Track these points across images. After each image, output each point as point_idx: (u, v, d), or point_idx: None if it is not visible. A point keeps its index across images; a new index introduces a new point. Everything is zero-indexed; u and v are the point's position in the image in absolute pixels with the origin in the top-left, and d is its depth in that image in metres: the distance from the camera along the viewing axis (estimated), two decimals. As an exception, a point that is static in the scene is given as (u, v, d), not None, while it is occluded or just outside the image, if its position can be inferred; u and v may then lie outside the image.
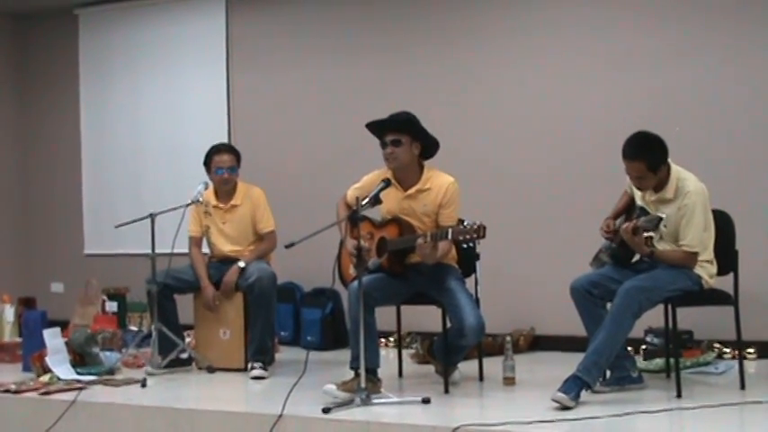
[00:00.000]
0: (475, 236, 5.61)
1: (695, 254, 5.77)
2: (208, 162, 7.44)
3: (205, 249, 7.60)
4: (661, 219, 5.65)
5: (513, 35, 8.25)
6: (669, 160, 5.85)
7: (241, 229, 7.41)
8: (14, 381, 6.80)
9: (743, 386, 6.01)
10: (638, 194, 6.07)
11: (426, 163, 6.34)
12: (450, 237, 5.74)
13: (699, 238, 5.76)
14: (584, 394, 5.58)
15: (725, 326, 6.12)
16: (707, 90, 7.55)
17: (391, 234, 6.19)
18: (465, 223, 5.70)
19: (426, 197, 6.21)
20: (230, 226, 7.42)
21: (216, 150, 7.47)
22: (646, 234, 5.64)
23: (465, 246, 5.92)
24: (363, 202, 5.91)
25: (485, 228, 5.59)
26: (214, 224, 7.45)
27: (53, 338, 7.02)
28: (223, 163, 7.38)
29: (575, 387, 5.52)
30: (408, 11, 8.68)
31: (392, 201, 6.24)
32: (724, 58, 7.51)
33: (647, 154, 5.75)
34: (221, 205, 7.44)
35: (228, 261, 7.33)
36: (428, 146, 6.29)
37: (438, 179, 6.24)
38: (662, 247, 5.87)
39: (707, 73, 7.55)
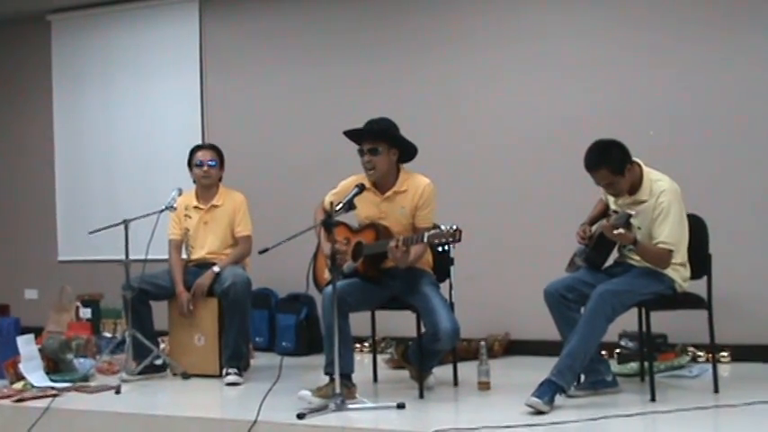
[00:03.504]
0: (451, 239, 5.62)
1: (670, 252, 5.77)
2: (190, 159, 7.52)
3: (183, 254, 7.59)
4: (630, 215, 5.68)
5: (493, 41, 8.28)
6: (641, 163, 5.89)
7: (220, 230, 7.43)
8: (-13, 388, 6.77)
9: (716, 389, 6.04)
10: (611, 199, 6.10)
11: (403, 166, 6.36)
12: (425, 240, 5.74)
13: (675, 235, 5.77)
14: (559, 398, 5.59)
15: (699, 329, 6.14)
16: (680, 95, 7.59)
17: (368, 239, 6.19)
18: (441, 227, 5.70)
19: (403, 199, 6.22)
20: (210, 227, 7.44)
21: (198, 147, 7.63)
22: (616, 231, 5.65)
23: (440, 249, 5.91)
24: (337, 208, 5.92)
25: (461, 231, 5.60)
26: (193, 225, 7.46)
27: (27, 345, 6.98)
28: (203, 157, 7.46)
29: (549, 391, 5.54)
30: (386, 15, 8.71)
31: (370, 205, 6.26)
32: (698, 63, 7.56)
33: (606, 159, 5.78)
34: (201, 206, 7.47)
35: (206, 265, 7.33)
36: (406, 150, 6.31)
37: (414, 180, 6.25)
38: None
39: (681, 78, 7.60)
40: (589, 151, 5.86)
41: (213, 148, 7.62)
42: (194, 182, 7.56)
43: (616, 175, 5.78)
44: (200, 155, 7.49)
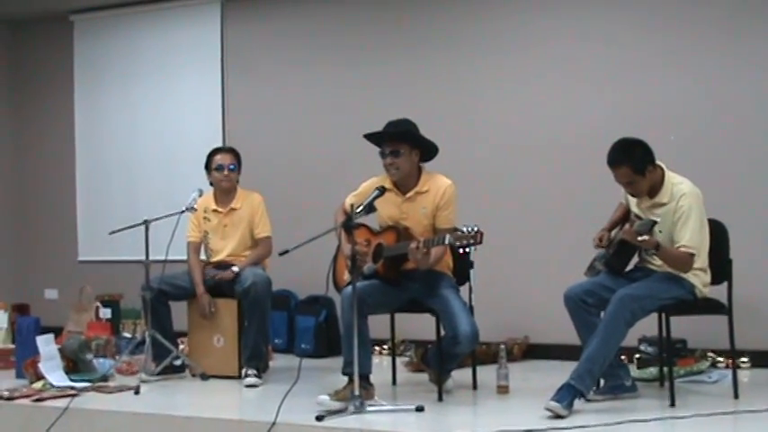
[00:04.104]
0: (472, 241, 5.60)
1: (693, 256, 5.74)
2: (209, 163, 7.50)
3: (202, 256, 7.59)
4: (655, 222, 5.65)
5: (510, 45, 8.27)
6: (663, 166, 5.88)
7: (239, 233, 7.42)
8: (7, 387, 6.78)
9: (736, 395, 6.02)
10: (632, 202, 6.09)
11: (425, 166, 6.36)
12: (447, 242, 5.73)
13: (696, 238, 5.75)
14: (578, 403, 5.59)
15: (718, 335, 6.13)
16: (701, 99, 7.57)
17: (388, 241, 6.19)
18: (464, 228, 5.68)
19: (425, 199, 6.22)
20: (229, 230, 7.44)
21: (216, 150, 7.59)
22: (640, 238, 5.63)
23: (461, 251, 5.91)
24: (358, 210, 5.92)
25: (482, 233, 5.57)
26: (213, 229, 7.47)
27: (46, 345, 7.00)
28: (224, 160, 7.44)
29: (568, 396, 5.53)
30: (405, 18, 8.69)
31: (391, 206, 6.27)
32: (719, 67, 7.53)
33: (629, 157, 5.79)
34: (220, 209, 7.46)
35: (225, 266, 7.33)
36: (427, 150, 6.31)
37: (436, 181, 6.25)
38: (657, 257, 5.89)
39: (701, 82, 7.57)
40: (613, 148, 5.87)
41: (232, 151, 7.61)
42: (211, 184, 7.55)
43: (636, 174, 5.78)
44: (220, 158, 7.47)
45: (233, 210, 7.46)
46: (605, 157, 5.92)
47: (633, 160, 5.77)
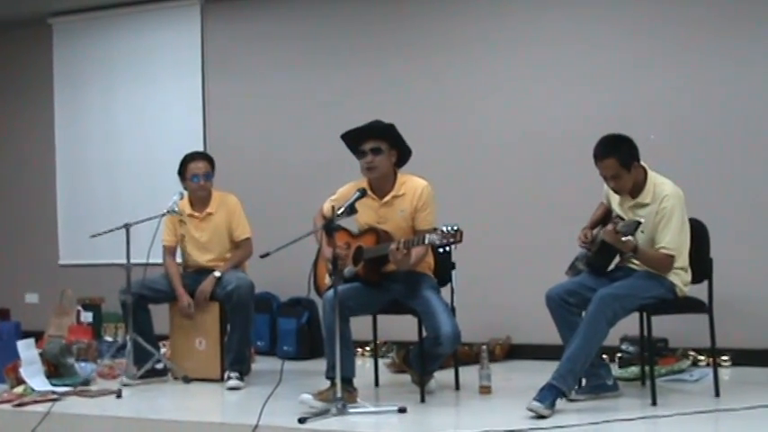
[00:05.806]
0: (452, 240, 5.58)
1: (672, 257, 5.77)
2: (183, 170, 7.43)
3: (179, 260, 7.57)
4: (639, 223, 5.66)
5: (489, 47, 8.29)
6: (645, 166, 5.90)
7: (217, 237, 7.39)
8: (-12, 392, 6.77)
9: (717, 393, 6.04)
10: (614, 202, 6.10)
11: (398, 169, 6.36)
12: (427, 242, 5.72)
13: (676, 240, 5.78)
14: (560, 402, 5.60)
15: (699, 334, 6.15)
16: (680, 100, 7.60)
17: (369, 243, 6.18)
18: (443, 228, 5.66)
19: (402, 202, 6.21)
20: (206, 234, 7.39)
21: (191, 158, 7.47)
22: (624, 239, 5.64)
23: (442, 250, 5.90)
24: (339, 212, 5.91)
25: (462, 232, 5.55)
26: (189, 233, 7.43)
27: (27, 349, 6.97)
28: (198, 170, 7.37)
29: (550, 396, 5.54)
30: (389, 19, 8.70)
31: (369, 211, 6.25)
32: (698, 68, 7.56)
33: (616, 150, 5.82)
34: (196, 214, 7.42)
35: (204, 271, 7.30)
36: (403, 154, 6.31)
37: (411, 183, 6.25)
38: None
39: (681, 83, 7.60)
40: (599, 142, 5.91)
41: (205, 157, 7.54)
42: (185, 188, 7.48)
43: (622, 168, 5.81)
44: (194, 168, 7.38)
45: (209, 214, 7.41)
46: (587, 157, 5.94)
47: (620, 153, 5.81)
